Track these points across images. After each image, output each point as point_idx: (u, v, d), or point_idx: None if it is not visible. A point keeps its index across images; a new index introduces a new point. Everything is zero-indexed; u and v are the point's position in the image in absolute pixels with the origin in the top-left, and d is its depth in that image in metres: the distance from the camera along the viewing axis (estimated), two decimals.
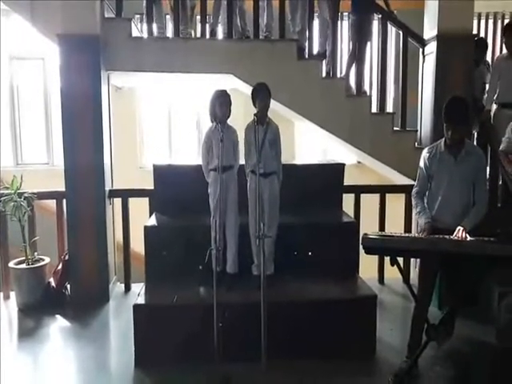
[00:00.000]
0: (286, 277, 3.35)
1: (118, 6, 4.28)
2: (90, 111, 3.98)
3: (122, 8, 4.29)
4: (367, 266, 4.12)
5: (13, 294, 4.15)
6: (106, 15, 4.23)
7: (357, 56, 4.61)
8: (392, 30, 4.78)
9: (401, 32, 4.47)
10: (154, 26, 4.47)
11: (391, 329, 3.57)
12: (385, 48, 4.49)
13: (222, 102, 3.25)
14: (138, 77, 4.81)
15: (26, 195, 4.07)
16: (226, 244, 3.34)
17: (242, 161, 3.42)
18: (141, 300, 3.19)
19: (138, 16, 5.44)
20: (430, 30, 4.26)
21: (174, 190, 3.81)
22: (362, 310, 3.20)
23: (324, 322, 3.12)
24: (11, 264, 4.09)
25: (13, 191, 4.00)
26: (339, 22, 4.75)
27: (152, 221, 3.78)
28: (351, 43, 4.67)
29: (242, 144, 3.40)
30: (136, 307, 3.07)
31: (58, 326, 3.80)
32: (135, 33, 4.43)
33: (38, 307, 3.97)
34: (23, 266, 4.06)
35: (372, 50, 4.69)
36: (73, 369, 3.25)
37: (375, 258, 4.41)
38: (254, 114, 3.06)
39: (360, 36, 4.60)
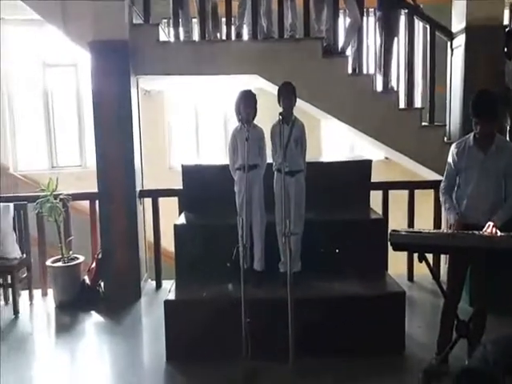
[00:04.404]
0: (313, 274, 3.35)
1: (146, 12, 4.40)
2: (120, 115, 4.11)
3: (149, 14, 4.41)
4: (396, 263, 4.09)
5: (50, 291, 4.32)
6: (135, 21, 4.36)
7: (384, 52, 4.57)
8: (419, 25, 4.71)
9: (428, 26, 4.41)
10: (181, 30, 4.57)
11: (419, 326, 3.53)
12: (412, 43, 4.43)
13: (246, 103, 3.28)
14: (166, 80, 4.92)
15: (61, 197, 4.22)
16: (253, 241, 3.38)
17: (270, 159, 3.45)
18: (171, 296, 3.28)
19: (165, 20, 5.56)
20: (458, 23, 4.18)
21: (202, 189, 3.87)
22: (390, 307, 3.18)
23: (352, 318, 3.12)
24: (48, 262, 4.25)
25: (49, 193, 4.15)
26: (365, 18, 4.72)
27: (181, 219, 3.85)
28: (378, 39, 4.63)
29: (269, 143, 3.43)
30: (167, 303, 3.16)
31: (92, 321, 3.94)
32: (163, 37, 4.53)
33: (73, 304, 4.11)
34: (59, 264, 4.22)
35: (399, 45, 4.64)
36: (107, 363, 3.37)
37: (405, 254, 4.36)
38: (280, 113, 3.10)
39: (387, 32, 4.56)
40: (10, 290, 4.10)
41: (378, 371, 2.97)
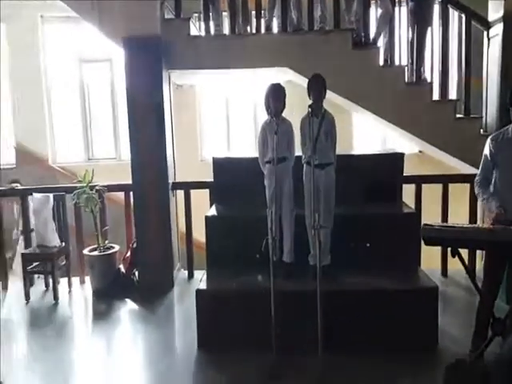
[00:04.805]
0: (344, 267, 3.34)
1: (177, 7, 4.47)
2: (153, 109, 4.21)
3: (180, 9, 4.47)
4: (430, 258, 4.04)
5: (87, 279, 4.50)
6: (166, 16, 4.43)
7: (417, 42, 4.48)
8: (454, 14, 4.59)
9: (463, 15, 4.29)
10: (211, 24, 4.62)
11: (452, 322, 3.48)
12: (446, 33, 4.33)
13: (276, 96, 3.29)
14: (197, 74, 4.99)
15: (97, 188, 4.38)
16: (283, 234, 3.41)
17: (299, 152, 3.46)
18: (202, 285, 3.36)
19: (196, 15, 5.62)
20: (494, 12, 4.05)
21: (232, 181, 3.92)
22: (422, 302, 3.15)
23: (382, 313, 3.11)
24: (85, 251, 4.43)
25: (85, 184, 4.32)
26: (397, 8, 4.63)
27: (212, 211, 3.92)
28: (411, 30, 4.54)
29: (299, 136, 3.44)
30: (198, 292, 3.24)
31: (127, 309, 4.09)
32: (194, 32, 4.59)
33: (109, 291, 4.27)
34: (96, 253, 4.38)
35: (433, 35, 4.53)
36: (140, 350, 3.49)
37: (439, 249, 4.29)
38: (309, 106, 3.09)
39: (420, 22, 4.46)
40: (51, 276, 4.30)
41: (409, 367, 2.94)
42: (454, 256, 2.73)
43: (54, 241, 4.30)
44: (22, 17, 6.80)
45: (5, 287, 4.51)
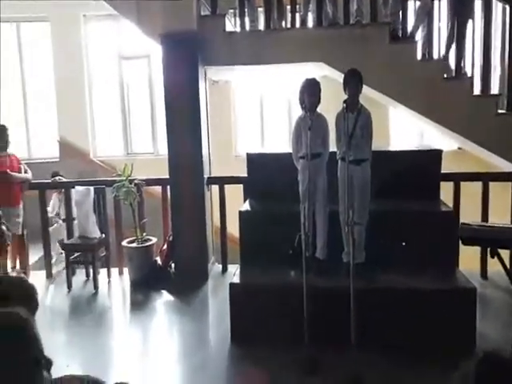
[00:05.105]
0: (378, 266, 3.30)
1: (213, 4, 4.50)
2: (189, 104, 4.29)
3: (216, 5, 4.51)
4: (470, 258, 3.92)
5: (125, 270, 4.65)
6: (202, 13, 4.48)
7: (457, 35, 4.33)
8: (497, 6, 4.40)
9: (507, 6, 4.11)
10: (247, 20, 4.64)
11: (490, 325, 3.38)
12: (489, 25, 4.16)
13: (310, 91, 3.28)
14: (232, 70, 5.03)
15: (135, 182, 4.50)
16: (316, 230, 3.41)
17: (334, 148, 3.43)
18: (236, 279, 3.41)
19: (232, 11, 5.65)
20: None
21: (266, 177, 3.93)
22: (459, 303, 3.08)
23: (417, 312, 3.07)
24: (124, 243, 4.57)
25: (124, 178, 4.45)
26: (436, 1, 4.50)
27: (246, 206, 3.97)
28: (450, 22, 4.39)
29: (334, 131, 3.41)
30: (232, 286, 3.30)
31: (163, 300, 4.20)
32: (229, 28, 4.63)
33: (146, 282, 4.39)
34: (134, 245, 4.52)
35: (474, 27, 4.37)
36: (175, 341, 3.60)
37: (479, 249, 4.16)
38: (344, 101, 3.07)
39: (460, 14, 4.31)
40: (91, 267, 4.48)
41: (443, 369, 2.87)
42: (493, 257, 2.67)
43: (95, 232, 4.46)
44: (66, 16, 7.07)
45: (49, 275, 4.73)
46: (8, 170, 4.52)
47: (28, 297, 1.22)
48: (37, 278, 4.49)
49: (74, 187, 4.60)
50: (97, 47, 7.61)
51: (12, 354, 0.96)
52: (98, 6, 4.90)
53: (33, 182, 4.77)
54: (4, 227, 3.95)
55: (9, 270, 4.38)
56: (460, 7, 4.28)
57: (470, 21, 4.34)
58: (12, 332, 0.98)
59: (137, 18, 4.54)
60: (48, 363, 1.06)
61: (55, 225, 5.73)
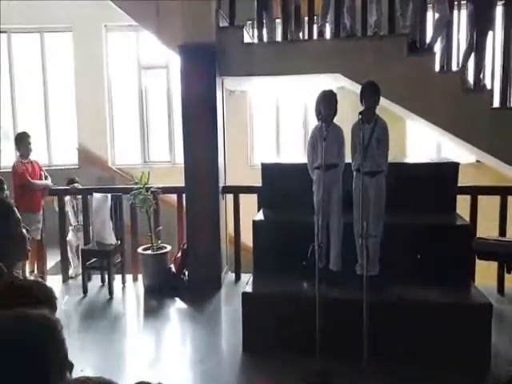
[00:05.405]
0: (392, 279, 3.27)
1: (232, 15, 4.57)
2: (206, 114, 4.34)
3: (234, 16, 4.58)
4: (487, 273, 3.85)
5: (140, 277, 4.69)
6: (221, 24, 4.55)
7: (476, 47, 4.30)
8: None
9: None
10: (264, 31, 4.69)
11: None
12: (509, 37, 4.13)
13: (327, 102, 3.29)
14: (249, 80, 5.08)
15: (152, 189, 4.56)
16: (330, 241, 3.39)
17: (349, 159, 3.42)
18: (249, 288, 3.42)
19: (250, 22, 5.72)
20: None
21: (280, 187, 3.95)
22: (473, 319, 3.03)
23: (430, 326, 3.03)
24: (139, 250, 4.62)
25: (141, 186, 4.51)
26: (456, 12, 4.48)
27: (260, 216, 3.98)
28: (469, 34, 4.37)
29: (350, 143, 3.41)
30: (244, 295, 3.30)
31: (176, 307, 4.22)
32: (247, 39, 4.68)
33: (160, 289, 4.43)
34: (149, 252, 4.57)
35: (494, 39, 4.34)
36: (188, 348, 3.61)
37: (495, 265, 4.08)
38: (359, 113, 3.07)
39: (480, 26, 4.28)
40: (107, 272, 4.53)
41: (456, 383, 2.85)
42: (509, 272, 2.63)
43: (111, 239, 4.53)
44: (88, 27, 7.24)
45: (65, 279, 4.80)
46: (29, 178, 4.63)
47: (48, 299, 1.25)
48: (54, 283, 4.56)
49: (91, 194, 4.68)
50: (117, 57, 7.76)
51: (44, 354, 0.97)
52: (119, 16, 5.00)
53: (52, 188, 4.87)
54: (25, 232, 4.03)
55: (27, 274, 4.46)
56: (480, 18, 4.25)
57: (490, 32, 4.32)
58: (44, 333, 0.99)
59: (156, 29, 4.63)
60: (70, 366, 1.07)
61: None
